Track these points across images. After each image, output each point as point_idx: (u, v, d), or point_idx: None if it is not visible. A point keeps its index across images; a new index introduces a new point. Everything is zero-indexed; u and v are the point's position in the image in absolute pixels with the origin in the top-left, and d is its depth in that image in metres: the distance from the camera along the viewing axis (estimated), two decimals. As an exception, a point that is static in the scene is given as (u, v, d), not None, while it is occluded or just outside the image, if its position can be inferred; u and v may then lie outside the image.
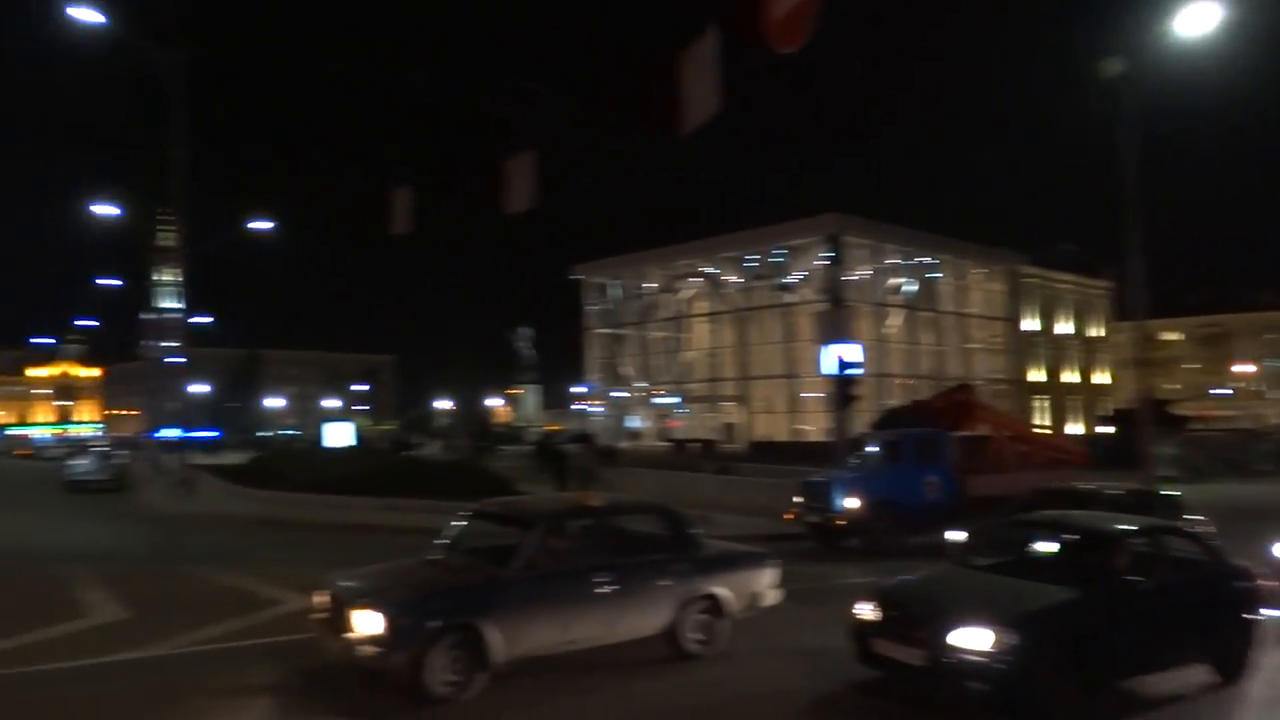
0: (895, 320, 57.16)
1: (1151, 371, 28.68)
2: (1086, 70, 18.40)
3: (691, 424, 60.76)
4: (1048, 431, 52.66)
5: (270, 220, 30.95)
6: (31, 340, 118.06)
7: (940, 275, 60.27)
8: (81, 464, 34.32)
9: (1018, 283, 64.79)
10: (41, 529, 22.16)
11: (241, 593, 12.21)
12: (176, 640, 9.44)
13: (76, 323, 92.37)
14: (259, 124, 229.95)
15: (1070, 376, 70.68)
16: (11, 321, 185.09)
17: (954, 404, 20.44)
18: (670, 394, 62.78)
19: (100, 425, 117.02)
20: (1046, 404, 66.97)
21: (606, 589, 8.19)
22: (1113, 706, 7.52)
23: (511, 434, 70.07)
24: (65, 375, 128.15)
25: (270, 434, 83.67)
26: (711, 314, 62.36)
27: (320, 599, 8.12)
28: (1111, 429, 46.29)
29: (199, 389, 72.20)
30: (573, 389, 73.61)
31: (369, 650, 7.24)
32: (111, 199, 31.94)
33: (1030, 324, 67.12)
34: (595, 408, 66.94)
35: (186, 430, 37.44)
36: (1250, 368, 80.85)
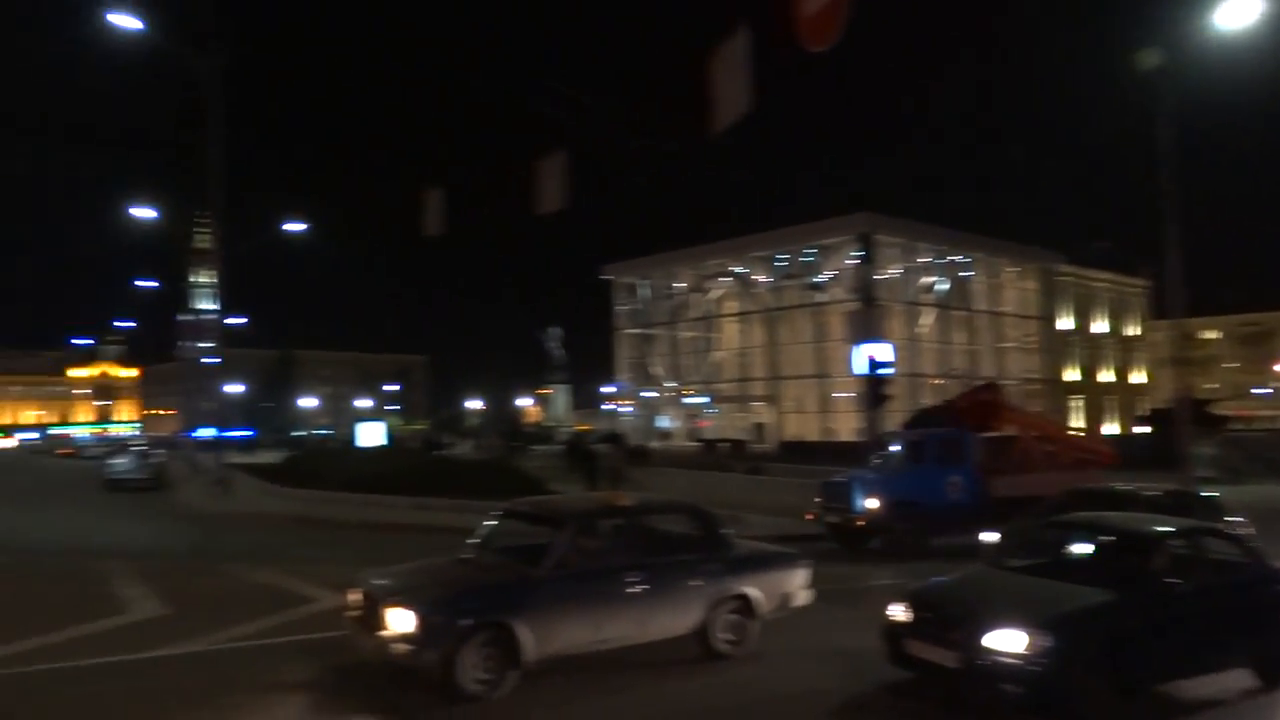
0: (927, 319, 56.71)
1: (1190, 371, 28.21)
2: (1124, 65, 18.18)
3: (721, 424, 60.65)
4: (1078, 432, 51.96)
5: (304, 222, 31.35)
6: (72, 341, 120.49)
7: (973, 274, 59.72)
8: (121, 463, 34.81)
9: (1052, 281, 64.03)
10: (82, 526, 22.56)
11: (276, 590, 12.34)
12: (213, 637, 9.57)
13: (115, 324, 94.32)
14: (294, 125, 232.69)
15: (1106, 376, 69.75)
16: (53, 323, 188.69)
17: (978, 403, 20.16)
18: (700, 394, 62.70)
19: (138, 425, 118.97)
20: (1082, 404, 66.14)
21: (637, 588, 8.19)
22: (1150, 711, 7.42)
23: (542, 434, 70.24)
24: (105, 375, 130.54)
25: (304, 433, 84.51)
26: (741, 314, 62.21)
27: (354, 597, 8.19)
28: (1149, 429, 45.67)
29: (234, 389, 73.12)
30: (603, 389, 73.74)
31: (402, 648, 7.29)
32: (150, 202, 32.50)
33: (1065, 323, 66.30)
34: (625, 408, 67.01)
35: (222, 430, 37.95)
36: (1291, 367, 79.37)
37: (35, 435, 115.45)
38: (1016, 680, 6.77)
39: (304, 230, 31.46)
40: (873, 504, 16.58)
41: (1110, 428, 64.33)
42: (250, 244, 32.15)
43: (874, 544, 16.82)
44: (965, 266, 58.85)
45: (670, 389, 64.50)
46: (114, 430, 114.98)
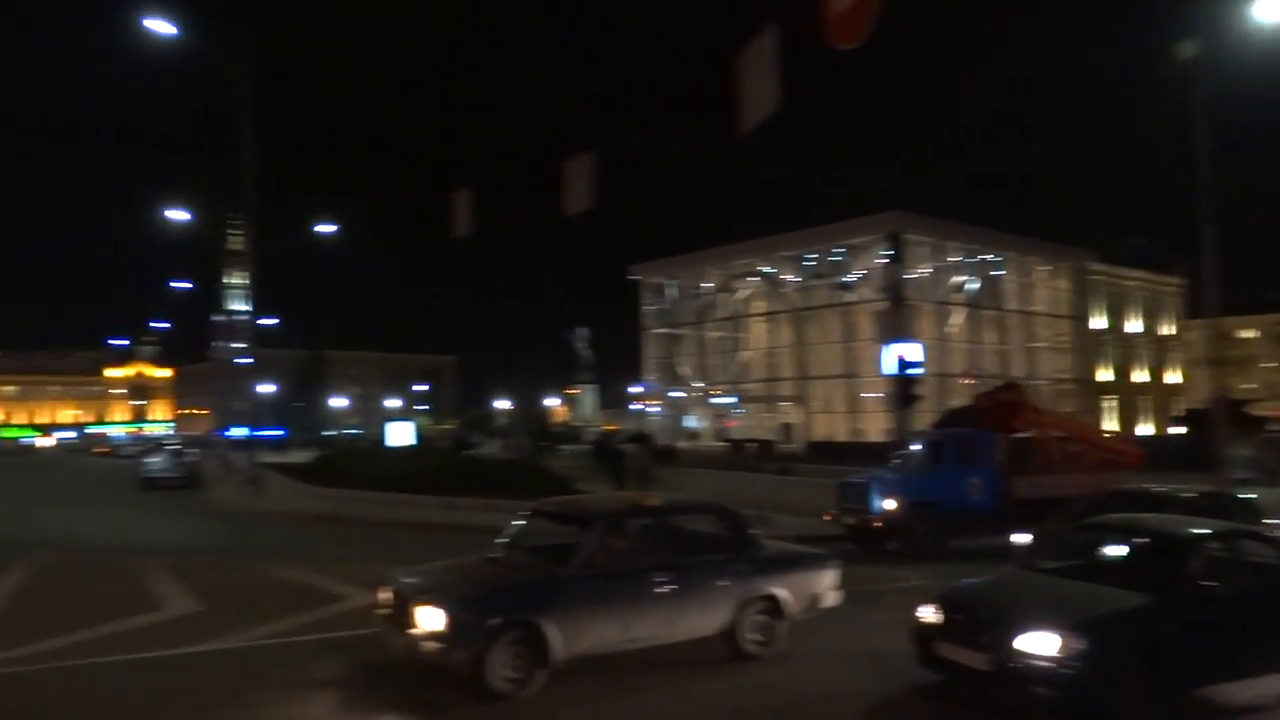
0: (957, 319, 56.22)
1: (1226, 370, 27.80)
2: (1159, 60, 17.93)
3: (749, 424, 60.48)
4: (1106, 432, 51.37)
5: (335, 223, 31.71)
6: (108, 342, 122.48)
7: (1004, 273, 59.13)
8: (156, 462, 35.28)
9: (1084, 280, 63.24)
10: (118, 524, 22.92)
11: (307, 588, 12.46)
12: (245, 634, 9.69)
13: (151, 325, 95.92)
14: (325, 127, 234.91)
15: (1140, 376, 68.81)
16: (90, 324, 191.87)
17: (999, 403, 19.92)
18: (727, 394, 62.56)
19: (172, 424, 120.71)
20: (1115, 404, 65.30)
21: (665, 588, 8.18)
22: (1186, 716, 7.30)
23: (569, 433, 70.43)
24: (140, 375, 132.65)
25: (334, 433, 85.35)
26: (769, 313, 62.02)
27: (384, 595, 8.25)
28: (1184, 430, 45.06)
29: (266, 389, 73.98)
30: (630, 389, 73.82)
31: (431, 646, 7.33)
32: (185, 204, 32.98)
33: (1098, 322, 65.47)
34: (652, 407, 67.03)
35: (254, 429, 38.39)
36: (1332, 367, 77.89)
37: (73, 434, 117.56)
38: (1048, 684, 6.68)
39: (335, 232, 31.91)
40: (890, 505, 16.40)
41: (1145, 428, 63.47)
42: (282, 245, 32.59)
43: (891, 545, 16.65)
44: (996, 265, 58.28)
45: (698, 389, 64.44)
46: (149, 429, 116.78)
